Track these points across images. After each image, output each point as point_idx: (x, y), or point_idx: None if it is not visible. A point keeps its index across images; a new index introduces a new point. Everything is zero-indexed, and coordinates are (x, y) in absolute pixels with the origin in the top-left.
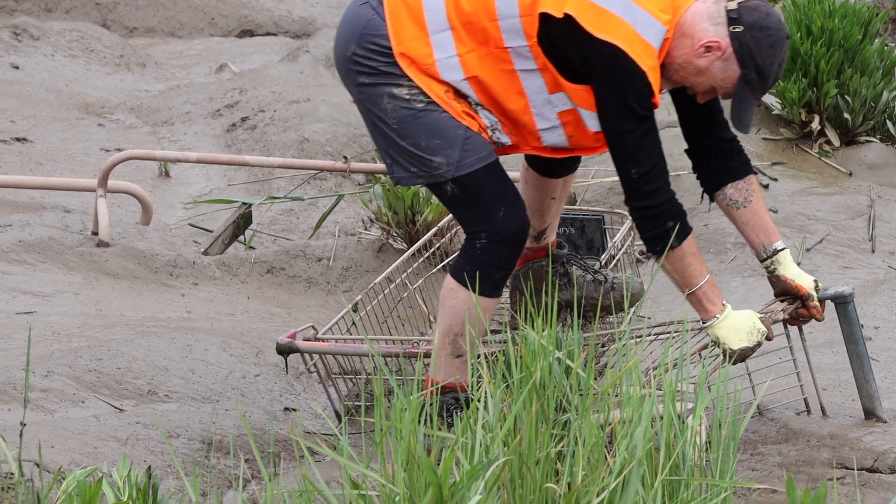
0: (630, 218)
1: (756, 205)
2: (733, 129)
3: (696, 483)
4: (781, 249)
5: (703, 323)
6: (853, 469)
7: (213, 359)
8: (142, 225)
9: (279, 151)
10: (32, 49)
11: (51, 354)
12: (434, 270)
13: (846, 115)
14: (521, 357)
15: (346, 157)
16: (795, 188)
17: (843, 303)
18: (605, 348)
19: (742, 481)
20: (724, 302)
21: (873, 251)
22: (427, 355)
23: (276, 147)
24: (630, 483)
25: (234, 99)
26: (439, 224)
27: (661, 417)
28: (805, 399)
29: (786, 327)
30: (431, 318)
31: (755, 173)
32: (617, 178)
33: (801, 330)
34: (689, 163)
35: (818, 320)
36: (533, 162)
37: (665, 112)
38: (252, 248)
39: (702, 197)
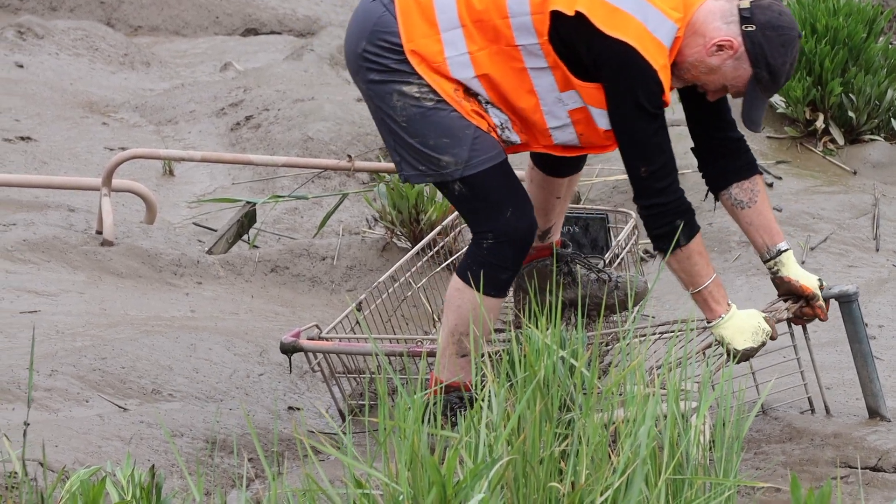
0: (634, 216)
1: (761, 205)
2: (741, 129)
3: (699, 482)
4: (785, 250)
5: (708, 322)
6: (857, 468)
7: (216, 358)
8: (146, 224)
9: (283, 150)
10: (37, 48)
11: (55, 353)
12: (438, 269)
13: (850, 114)
14: (524, 356)
15: (350, 156)
16: (800, 187)
17: (847, 301)
18: (609, 347)
19: (746, 480)
20: (730, 302)
21: (877, 250)
22: (431, 354)
23: (280, 146)
24: (634, 482)
25: (238, 98)
26: (443, 223)
27: (665, 416)
28: (809, 398)
29: (790, 326)
30: (435, 317)
31: (761, 173)
32: (621, 176)
33: (805, 329)
34: (693, 161)
35: (822, 320)
36: (539, 161)
37: (669, 110)
38: (256, 246)
39: (706, 196)
